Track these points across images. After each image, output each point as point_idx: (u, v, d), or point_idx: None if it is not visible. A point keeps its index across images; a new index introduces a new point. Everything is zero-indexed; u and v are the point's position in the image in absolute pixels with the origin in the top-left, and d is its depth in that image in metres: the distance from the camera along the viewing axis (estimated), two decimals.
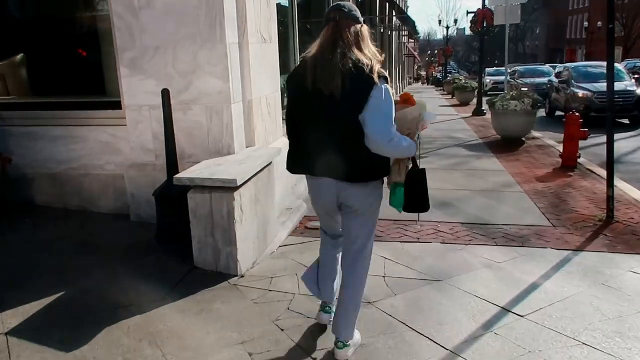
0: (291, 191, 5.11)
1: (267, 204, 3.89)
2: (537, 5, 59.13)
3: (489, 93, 25.06)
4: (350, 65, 2.15)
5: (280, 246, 4.11)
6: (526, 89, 20.43)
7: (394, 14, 20.43)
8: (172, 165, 3.64)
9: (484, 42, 15.28)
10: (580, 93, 13.11)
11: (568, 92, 13.68)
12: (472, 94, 19.92)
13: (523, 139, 9.81)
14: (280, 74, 6.17)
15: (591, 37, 43.05)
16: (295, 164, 2.41)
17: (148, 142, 3.95)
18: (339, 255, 2.66)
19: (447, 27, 42.93)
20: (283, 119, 3.86)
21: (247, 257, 3.45)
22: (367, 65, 2.16)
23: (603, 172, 6.97)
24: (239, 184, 3.12)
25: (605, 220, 4.68)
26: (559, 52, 57.01)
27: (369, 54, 2.25)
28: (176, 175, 3.22)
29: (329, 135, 2.20)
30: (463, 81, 21.81)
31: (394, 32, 23.60)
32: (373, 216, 2.47)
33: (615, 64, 15.93)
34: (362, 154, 2.21)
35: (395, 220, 4.74)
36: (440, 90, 31.63)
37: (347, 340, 2.50)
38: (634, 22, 35.95)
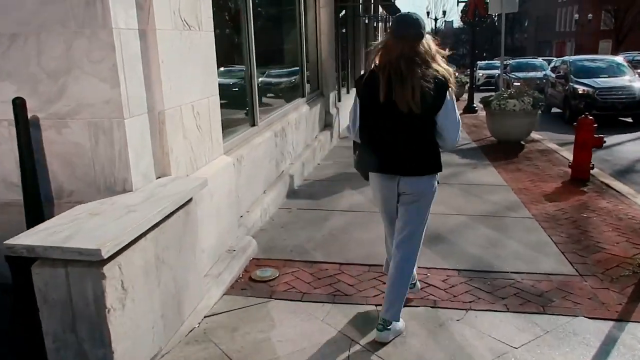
0: (237, 225, 3.93)
1: (183, 261, 2.71)
2: None
3: (481, 88, 24.07)
4: (429, 79, 2.41)
5: (206, 316, 2.93)
6: (519, 83, 19.56)
7: (379, 4, 19.24)
8: (35, 209, 2.45)
9: (475, 33, 14.15)
10: (581, 89, 12.03)
11: (567, 88, 12.61)
12: (462, 89, 18.81)
13: (522, 142, 8.70)
14: (228, 71, 4.96)
15: (582, 30, 42.14)
16: (371, 163, 2.68)
17: (11, 173, 2.74)
18: None
19: (436, 19, 41.76)
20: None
21: (140, 356, 2.27)
22: (443, 76, 2.45)
23: (622, 187, 5.89)
24: (107, 254, 1.93)
25: None
26: (547, 45, 56.18)
27: (440, 62, 2.49)
28: (8, 242, 2.02)
29: (406, 139, 2.53)
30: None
31: (380, 24, 22.37)
32: (428, 206, 2.73)
33: (614, 57, 14.95)
34: (432, 151, 2.61)
35: (370, 265, 3.59)
36: None
37: (390, 324, 2.65)
38: (626, 14, 35.04)
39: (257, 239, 4.16)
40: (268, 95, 6.15)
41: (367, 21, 16.87)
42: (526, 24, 66.35)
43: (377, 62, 2.54)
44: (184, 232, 2.72)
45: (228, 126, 4.56)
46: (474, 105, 14.02)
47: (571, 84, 12.40)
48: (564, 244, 4.01)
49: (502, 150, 8.23)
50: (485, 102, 8.71)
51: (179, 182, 2.79)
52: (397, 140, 2.54)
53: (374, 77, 2.50)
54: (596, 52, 38.27)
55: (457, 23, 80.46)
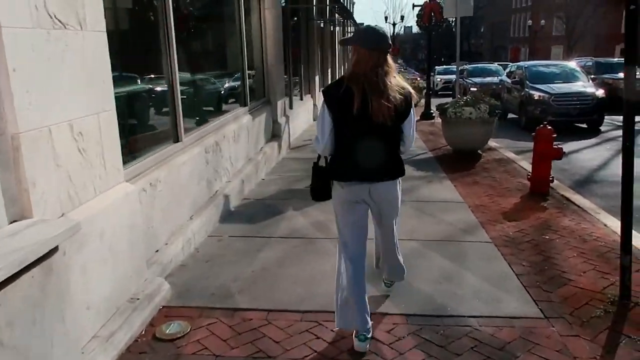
0: (146, 265, 3.27)
1: (42, 335, 2.04)
2: (482, 3, 59.30)
3: (439, 93, 24.00)
4: (399, 90, 2.57)
5: None
6: (475, 89, 19.50)
7: (335, 8, 18.83)
8: None
9: (431, 37, 13.88)
10: (537, 95, 11.89)
11: (522, 93, 12.46)
12: (420, 95, 18.60)
13: (479, 151, 8.35)
14: (144, 79, 4.30)
15: (535, 36, 43.17)
16: (345, 173, 2.72)
17: None
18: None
19: (394, 24, 41.86)
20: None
21: None
22: (404, 87, 2.63)
23: (583, 201, 5.53)
24: None
25: (619, 303, 3.12)
26: (503, 50, 57.45)
27: (400, 76, 2.68)
28: None
29: (378, 147, 2.65)
30: (409, 81, 20.46)
31: (337, 28, 21.95)
32: (398, 206, 2.97)
33: (568, 63, 14.97)
34: (398, 156, 2.80)
35: (304, 312, 3.00)
36: None
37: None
38: (577, 19, 36.05)
39: (174, 279, 3.51)
40: (199, 105, 5.48)
41: (322, 25, 16.38)
42: (482, 30, 67.77)
43: (348, 72, 2.61)
44: (43, 297, 2.05)
45: (140, 145, 3.89)
46: (431, 111, 13.72)
47: (527, 89, 12.25)
48: (527, 276, 3.54)
49: (459, 160, 7.84)
50: (441, 109, 8.32)
51: (37, 229, 2.12)
52: (370, 148, 2.61)
53: (346, 88, 2.53)
54: (549, 58, 39.28)
55: (416, 28, 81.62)
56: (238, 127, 5.99)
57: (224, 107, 6.29)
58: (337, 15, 19.40)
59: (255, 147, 6.85)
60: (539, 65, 13.61)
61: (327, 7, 16.34)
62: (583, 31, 36.17)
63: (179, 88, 4.30)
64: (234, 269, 3.72)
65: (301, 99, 12.15)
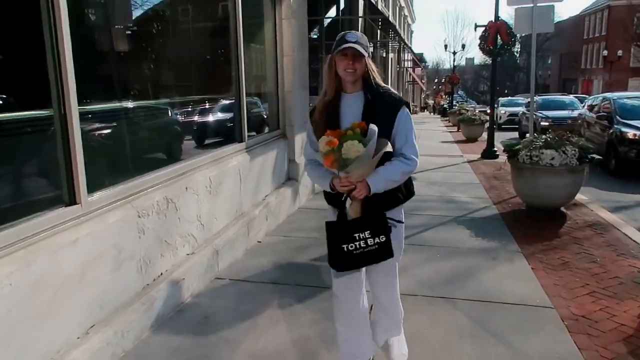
0: None
1: None
2: (550, 34, 56.02)
3: (503, 127, 21.62)
4: None
5: None
6: (547, 123, 17.08)
7: (393, 37, 17.27)
8: None
9: (496, 63, 11.83)
10: (631, 133, 9.50)
11: (611, 131, 10.08)
12: (480, 128, 16.39)
13: (563, 209, 6.19)
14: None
15: (611, 67, 39.61)
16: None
17: None
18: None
19: (454, 53, 39.72)
20: None
21: None
22: None
23: None
24: None
25: None
26: (572, 82, 53.70)
27: None
28: None
29: None
30: (469, 112, 18.27)
31: (390, 54, 20.31)
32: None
33: None
34: None
35: None
36: (446, 121, 28.13)
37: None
38: None
39: None
40: (134, 146, 3.61)
41: (384, 55, 14.73)
42: (549, 61, 64.14)
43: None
44: None
45: None
46: (495, 149, 11.58)
47: (617, 126, 9.88)
48: None
49: (535, 221, 5.72)
50: (510, 150, 6.27)
51: None
52: None
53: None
54: (626, 91, 35.67)
55: (478, 59, 78.79)
56: (219, 172, 4.27)
57: (194, 145, 4.51)
58: (389, 39, 17.76)
59: (253, 196, 5.10)
60: (632, 97, 11.17)
61: (379, 28, 14.70)
62: None
63: (75, 123, 2.61)
64: None
65: None
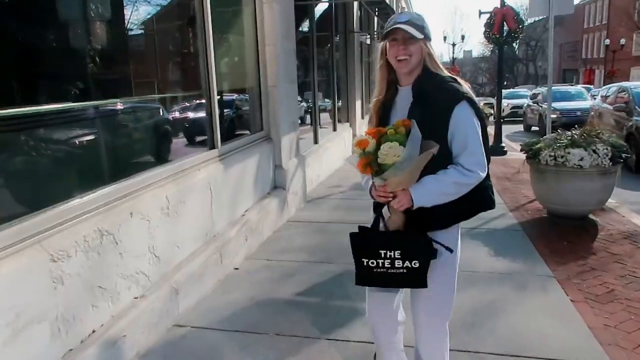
0: None
1: None
2: (549, 25, 54.94)
3: (506, 120, 20.75)
4: None
5: None
6: (554, 116, 16.25)
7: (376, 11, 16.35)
8: None
9: (502, 52, 10.98)
10: None
11: (630, 124, 9.26)
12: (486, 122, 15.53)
13: (592, 216, 5.37)
14: None
15: (613, 56, 38.67)
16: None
17: None
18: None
19: (454, 45, 38.81)
20: None
21: None
22: None
23: None
24: None
25: None
26: (573, 72, 52.82)
27: None
28: None
29: None
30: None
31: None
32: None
33: None
34: None
35: None
36: None
37: None
38: None
39: None
40: (58, 161, 2.73)
41: (367, 41, 13.84)
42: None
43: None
44: None
45: None
46: (502, 144, 10.77)
47: (638, 118, 9.06)
48: None
49: (562, 233, 4.89)
50: (530, 150, 5.42)
51: None
52: None
53: None
54: (628, 80, 34.73)
55: (476, 52, 77.80)
56: (181, 188, 3.44)
57: (148, 158, 3.61)
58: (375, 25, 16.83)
59: (229, 213, 4.27)
60: None
61: (375, 15, 13.76)
62: None
63: None
64: None
65: (334, 129, 9.57)
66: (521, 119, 18.91)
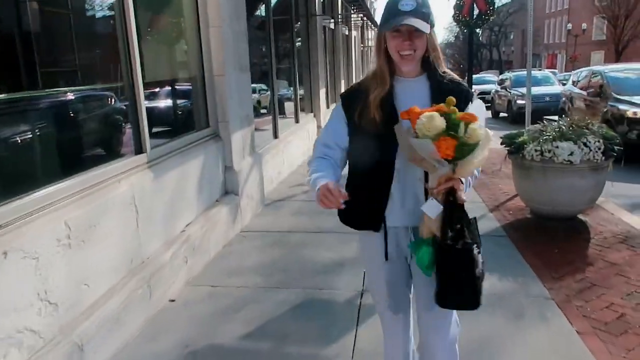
0: None
1: None
2: (512, 9, 55.41)
3: None
4: None
5: None
6: (523, 102, 15.92)
7: (357, 11, 15.64)
8: None
9: (473, 37, 10.44)
10: (630, 112, 8.29)
11: (605, 109, 8.88)
12: None
13: (581, 216, 4.84)
14: None
15: (575, 40, 39.07)
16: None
17: None
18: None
19: None
20: None
21: None
22: None
23: None
24: None
25: None
26: (536, 57, 53.44)
27: None
28: None
29: None
30: None
31: (353, 32, 18.72)
32: None
33: None
34: None
35: None
36: None
37: None
38: (626, 21, 31.98)
39: None
40: None
41: (332, 26, 13.09)
42: (512, 37, 63.72)
43: None
44: None
45: None
46: None
47: (615, 104, 8.66)
48: None
49: (550, 237, 4.34)
50: (512, 143, 4.84)
51: None
52: None
53: None
54: (589, 64, 35.16)
55: (441, 38, 77.96)
56: (91, 209, 2.66)
57: (45, 170, 2.74)
58: (352, 14, 16.12)
59: (164, 232, 3.51)
60: (625, 70, 9.96)
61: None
62: (633, 34, 32.09)
63: None
64: None
65: (296, 121, 8.84)
66: (489, 104, 18.58)
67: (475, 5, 9.77)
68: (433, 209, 1.60)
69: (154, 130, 3.66)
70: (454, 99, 1.55)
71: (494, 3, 10.30)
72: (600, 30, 37.29)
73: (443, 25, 76.56)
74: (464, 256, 1.61)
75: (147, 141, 3.44)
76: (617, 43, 32.63)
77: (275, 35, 7.16)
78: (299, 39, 9.52)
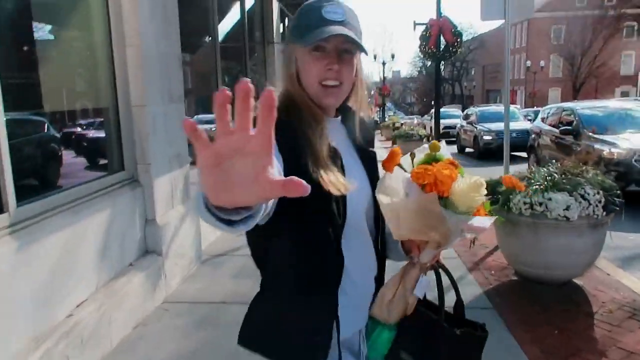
0: None
1: None
2: (473, 46, 56.94)
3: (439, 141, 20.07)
4: None
5: None
6: (490, 137, 15.54)
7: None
8: None
9: (440, 68, 9.92)
10: (607, 151, 7.79)
11: (580, 148, 8.38)
12: (419, 144, 14.48)
13: (577, 281, 4.07)
14: None
15: (534, 77, 40.09)
16: None
17: None
18: None
19: (384, 64, 38.57)
20: None
21: None
22: None
23: None
24: None
25: None
26: (496, 93, 54.75)
27: None
28: None
29: None
30: (406, 126, 16.50)
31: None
32: None
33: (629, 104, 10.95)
34: None
35: None
36: (378, 134, 26.45)
37: None
38: (582, 59, 32.97)
39: None
40: None
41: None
42: (472, 73, 65.37)
43: None
44: None
45: None
46: None
47: (590, 143, 8.16)
48: None
49: (545, 309, 3.54)
50: (496, 193, 4.06)
51: None
52: None
53: None
54: (546, 101, 35.99)
55: (405, 72, 79.65)
56: None
57: None
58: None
59: (35, 323, 2.50)
60: (598, 108, 9.55)
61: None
62: (588, 73, 33.09)
63: None
64: None
65: None
66: (454, 139, 18.24)
67: (442, 37, 9.27)
68: (424, 288, 1.27)
69: (30, 180, 2.69)
70: (438, 143, 1.24)
71: (461, 34, 9.84)
72: (558, 68, 38.46)
73: (407, 60, 78.23)
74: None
75: (11, 195, 2.46)
76: (574, 80, 33.53)
77: (224, 62, 6.33)
78: (256, 67, 8.73)
